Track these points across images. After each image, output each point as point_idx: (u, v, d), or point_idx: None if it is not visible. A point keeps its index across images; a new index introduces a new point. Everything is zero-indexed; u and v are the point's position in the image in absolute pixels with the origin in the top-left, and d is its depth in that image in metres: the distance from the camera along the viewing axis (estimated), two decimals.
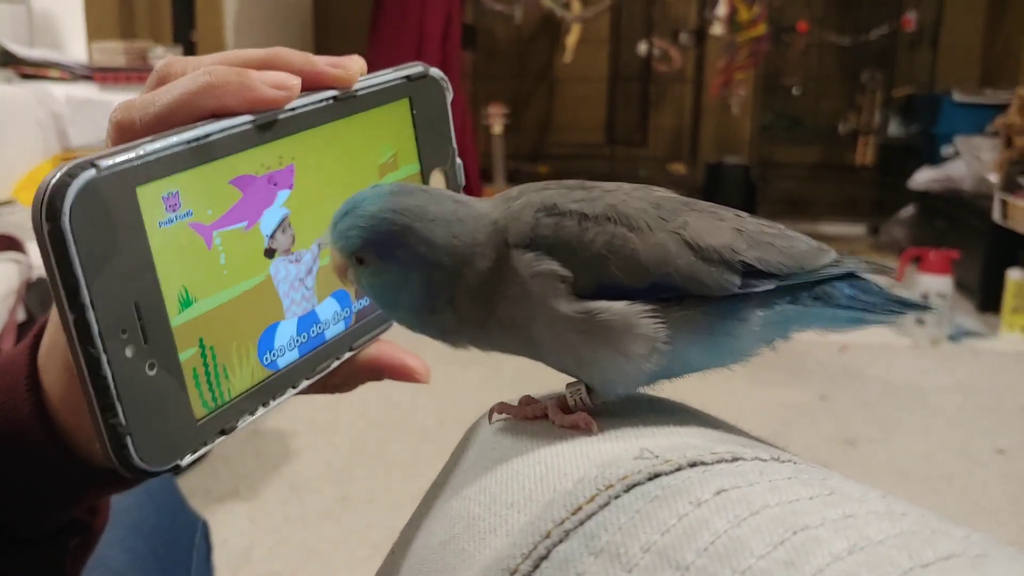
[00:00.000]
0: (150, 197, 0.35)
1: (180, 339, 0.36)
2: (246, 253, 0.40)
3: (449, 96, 0.50)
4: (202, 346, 0.37)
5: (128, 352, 0.34)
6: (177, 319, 0.36)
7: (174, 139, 0.36)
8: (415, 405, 2.29)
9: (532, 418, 0.42)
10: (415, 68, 0.48)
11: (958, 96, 4.01)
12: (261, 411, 0.41)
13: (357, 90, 0.44)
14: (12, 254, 1.50)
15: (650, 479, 0.31)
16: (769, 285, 0.41)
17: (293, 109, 0.41)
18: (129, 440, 0.34)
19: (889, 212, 4.40)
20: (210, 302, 0.38)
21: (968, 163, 3.57)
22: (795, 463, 0.33)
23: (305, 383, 0.43)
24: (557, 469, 0.34)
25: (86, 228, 0.32)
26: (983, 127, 3.62)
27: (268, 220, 0.41)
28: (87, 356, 0.33)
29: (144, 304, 0.35)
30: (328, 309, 0.45)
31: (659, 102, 4.66)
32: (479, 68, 4.65)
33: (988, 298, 3.14)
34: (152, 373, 0.35)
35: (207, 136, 0.37)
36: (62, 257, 0.32)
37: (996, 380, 2.57)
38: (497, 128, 4.03)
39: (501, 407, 0.43)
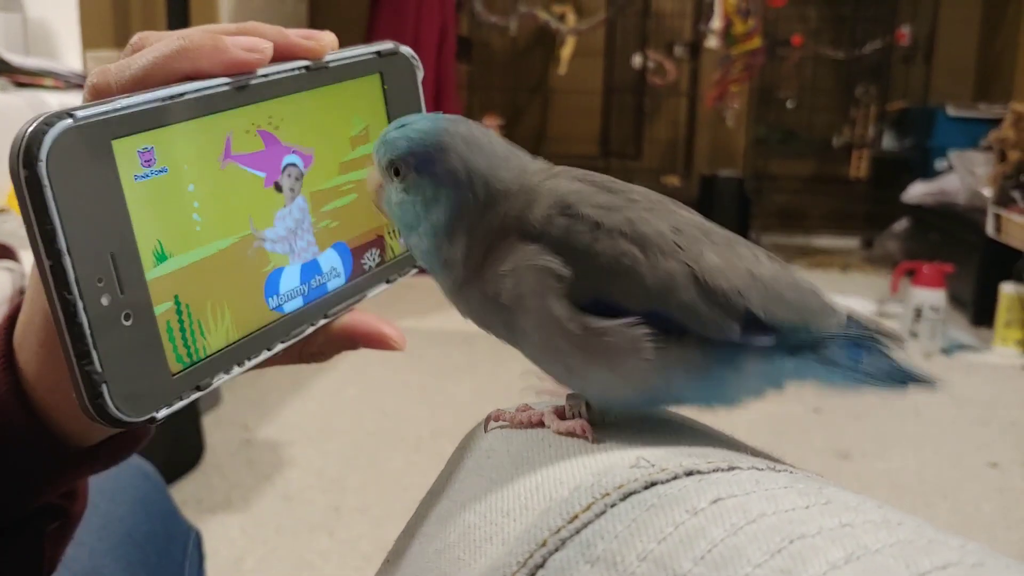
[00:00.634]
0: (126, 150, 0.35)
1: (155, 293, 0.37)
2: (223, 211, 0.40)
3: (419, 74, 0.51)
4: (177, 302, 0.38)
5: (104, 301, 0.34)
6: (152, 273, 0.36)
7: (149, 96, 0.36)
8: (408, 415, 2.29)
9: (529, 425, 0.41)
10: (385, 44, 0.49)
11: (952, 110, 4.02)
12: (236, 370, 0.41)
13: (328, 62, 0.45)
14: (6, 262, 1.50)
15: (646, 488, 0.31)
16: (767, 342, 0.40)
17: (266, 75, 0.41)
18: (105, 388, 0.34)
19: (883, 225, 4.41)
20: (185, 258, 0.38)
21: (962, 177, 3.57)
22: (791, 473, 0.33)
23: (280, 346, 0.43)
24: (553, 478, 0.34)
25: (62, 176, 0.33)
26: (977, 141, 3.63)
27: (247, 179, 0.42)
28: (63, 302, 0.33)
29: (120, 255, 0.35)
30: (307, 273, 0.45)
31: (654, 114, 4.67)
32: (474, 79, 4.66)
33: (981, 312, 3.15)
34: (128, 324, 0.35)
35: (181, 95, 0.38)
36: (39, 203, 0.32)
37: (989, 394, 2.57)
38: None
39: (498, 414, 0.43)
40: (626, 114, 4.57)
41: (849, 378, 0.43)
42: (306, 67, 0.43)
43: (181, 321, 0.38)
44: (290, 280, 0.44)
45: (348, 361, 2.68)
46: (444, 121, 0.41)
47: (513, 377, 0.48)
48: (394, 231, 0.50)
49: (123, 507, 0.75)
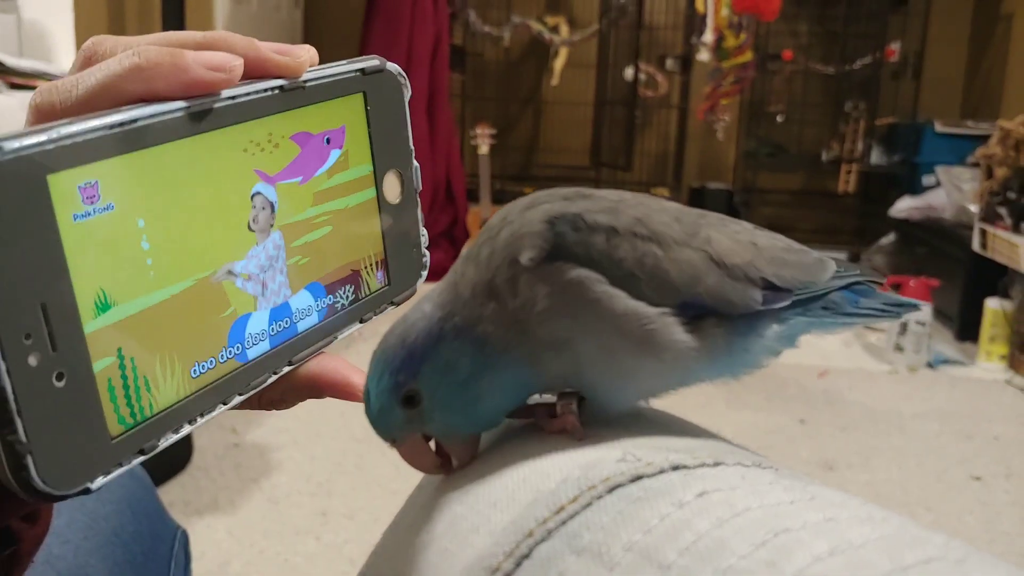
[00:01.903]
0: (64, 186, 0.31)
1: (94, 347, 0.32)
2: (180, 252, 0.36)
3: (407, 94, 0.47)
4: (120, 356, 0.33)
5: (32, 360, 0.30)
6: (91, 325, 0.32)
7: (94, 123, 0.32)
8: None
9: (519, 418, 0.42)
10: (371, 61, 0.44)
11: (940, 127, 4.04)
12: (187, 428, 0.36)
13: (306, 81, 0.40)
14: None
15: (632, 481, 0.31)
16: (786, 301, 0.42)
17: (233, 97, 0.37)
18: (30, 460, 0.30)
19: (870, 240, 4.42)
20: (132, 306, 0.33)
21: (949, 193, 3.59)
22: (776, 470, 0.34)
23: (237, 399, 0.39)
24: (540, 470, 0.35)
25: None
26: (964, 157, 3.65)
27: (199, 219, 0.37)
28: None
29: (53, 307, 0.30)
30: (275, 316, 0.41)
31: (644, 126, 4.68)
32: (467, 89, 4.66)
33: (967, 326, 3.16)
34: (60, 385, 0.31)
35: (133, 122, 0.33)
36: None
37: (973, 408, 2.58)
38: (484, 149, 4.03)
39: None
40: (617, 126, 4.58)
41: (853, 319, 0.45)
42: (280, 87, 0.39)
43: (124, 377, 0.33)
44: (257, 324, 0.40)
45: None
46: (385, 369, 0.41)
47: None
48: (371, 265, 0.45)
49: (109, 506, 0.74)
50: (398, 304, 0.47)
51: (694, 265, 0.39)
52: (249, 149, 0.38)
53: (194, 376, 0.36)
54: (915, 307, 0.49)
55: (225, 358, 0.38)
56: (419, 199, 0.47)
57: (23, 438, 0.29)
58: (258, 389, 0.40)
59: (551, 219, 0.39)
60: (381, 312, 0.47)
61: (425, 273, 0.48)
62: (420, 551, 0.36)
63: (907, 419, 2.46)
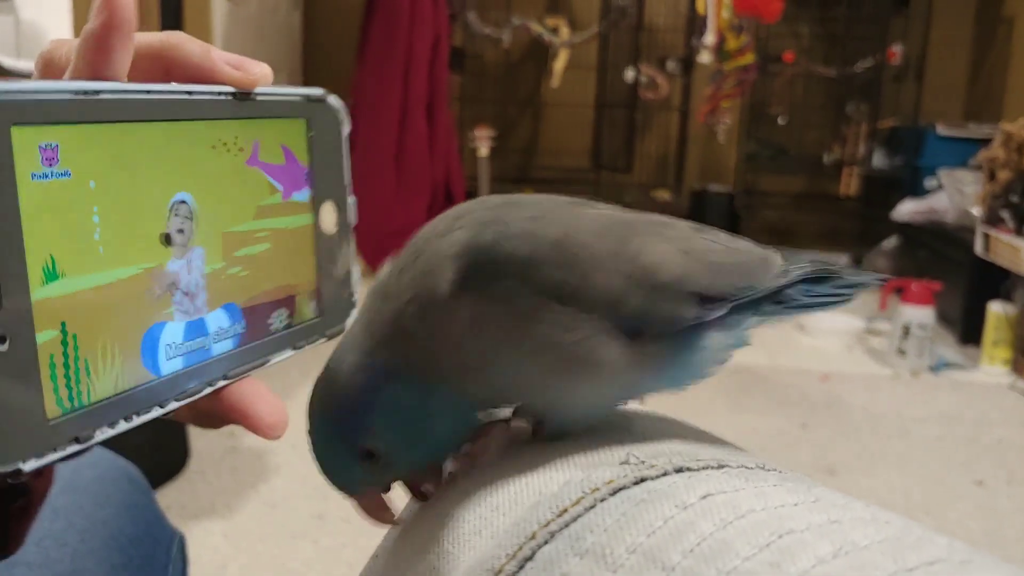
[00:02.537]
0: (25, 141, 0.30)
1: (39, 316, 0.30)
2: (130, 235, 0.34)
3: (345, 129, 0.46)
4: (64, 332, 0.31)
5: None
6: (39, 292, 0.30)
7: (65, 86, 0.31)
8: None
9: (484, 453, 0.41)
10: (315, 90, 0.44)
11: (942, 129, 4.04)
12: (123, 425, 0.34)
13: (256, 94, 0.40)
14: None
15: (636, 483, 0.31)
16: (721, 311, 0.40)
17: (190, 92, 0.37)
18: None
19: (872, 243, 4.42)
20: (79, 282, 0.32)
21: (951, 196, 3.59)
22: (780, 472, 0.33)
23: (174, 404, 0.37)
24: (542, 474, 0.34)
25: None
26: (966, 160, 3.65)
27: (152, 206, 0.36)
28: None
29: (2, 262, 0.29)
30: (213, 325, 0.39)
31: (645, 129, 4.69)
32: (467, 91, 4.66)
33: (969, 330, 3.15)
34: (2, 348, 0.29)
35: (97, 92, 0.32)
36: None
37: (976, 412, 2.58)
38: (483, 151, 4.04)
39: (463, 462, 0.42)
40: (618, 128, 4.58)
41: (806, 308, 0.43)
42: (232, 93, 0.39)
43: (66, 356, 0.31)
44: (199, 329, 0.38)
45: None
46: (321, 419, 0.42)
47: None
48: (306, 293, 0.44)
49: (107, 510, 0.74)
50: (330, 338, 0.46)
51: (617, 288, 0.38)
52: (217, 147, 0.38)
53: (131, 372, 0.35)
54: (868, 284, 0.46)
55: (171, 355, 0.37)
56: (353, 237, 0.47)
57: None
58: (193, 398, 0.38)
59: (464, 250, 0.38)
60: (313, 343, 0.46)
61: (355, 313, 0.47)
62: (420, 553, 0.35)
63: (909, 423, 2.46)
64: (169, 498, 1.83)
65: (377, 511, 0.42)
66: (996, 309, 2.95)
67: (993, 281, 3.08)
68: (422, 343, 0.38)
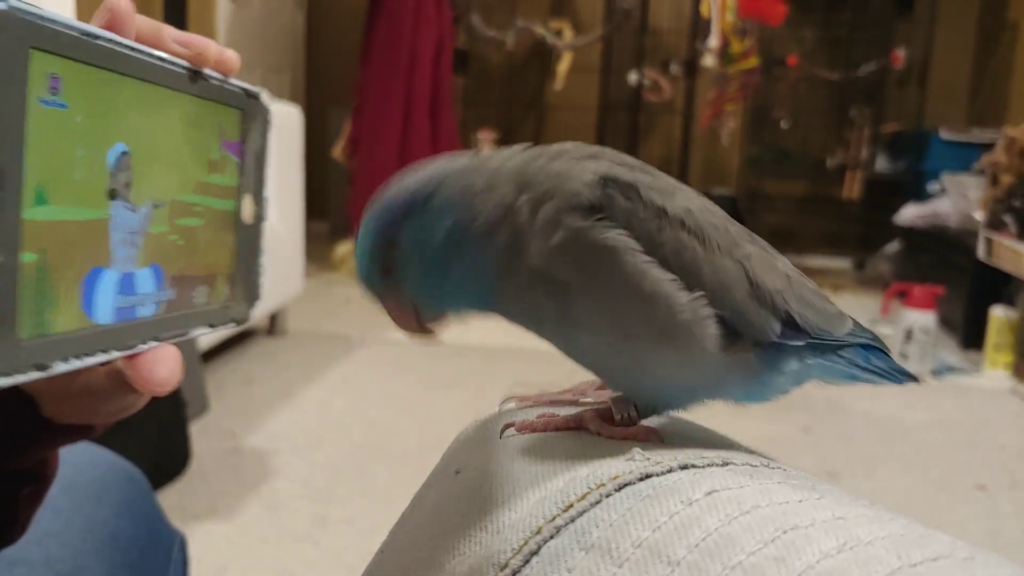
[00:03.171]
0: (39, 66, 0.31)
1: (26, 237, 0.31)
2: (91, 180, 0.35)
3: (270, 130, 0.48)
4: (42, 259, 0.32)
5: None
6: (28, 212, 0.31)
7: (72, 22, 0.32)
8: (395, 427, 2.28)
9: (565, 429, 0.40)
10: (252, 87, 0.45)
11: (945, 134, 4.04)
12: (75, 363, 0.34)
13: (207, 74, 0.41)
14: None
15: (641, 479, 0.31)
16: (800, 341, 0.41)
17: (163, 60, 0.38)
18: None
19: (875, 247, 4.42)
20: (59, 213, 0.33)
21: (954, 200, 3.59)
22: (785, 470, 0.33)
23: (116, 354, 0.37)
24: (549, 469, 0.34)
25: None
26: (969, 165, 3.65)
27: (112, 155, 0.36)
28: None
29: (4, 174, 0.30)
30: (146, 280, 0.39)
31: (648, 132, 4.69)
32: (470, 93, 4.67)
33: (972, 335, 3.15)
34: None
35: (96, 37, 0.34)
36: None
37: (978, 417, 2.57)
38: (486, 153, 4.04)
39: (522, 425, 0.42)
40: (621, 131, 4.58)
41: (863, 375, 0.45)
42: (188, 68, 0.40)
43: (40, 282, 0.32)
44: (134, 282, 0.38)
45: (336, 372, 2.68)
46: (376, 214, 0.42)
47: (501, 390, 0.47)
48: (224, 275, 0.45)
49: (108, 509, 0.74)
50: (239, 324, 0.46)
51: (728, 274, 0.39)
52: (182, 116, 0.40)
53: (84, 312, 0.35)
54: (915, 379, 0.49)
55: (114, 304, 0.37)
56: (264, 231, 0.48)
57: None
58: (130, 351, 0.38)
59: (607, 178, 0.39)
60: (225, 326, 0.46)
61: (259, 305, 0.48)
62: (427, 549, 0.35)
63: (911, 428, 2.45)
64: (170, 499, 1.83)
65: (399, 318, 0.43)
66: (998, 314, 2.95)
67: (995, 285, 3.08)
68: (508, 216, 0.39)
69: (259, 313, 0.48)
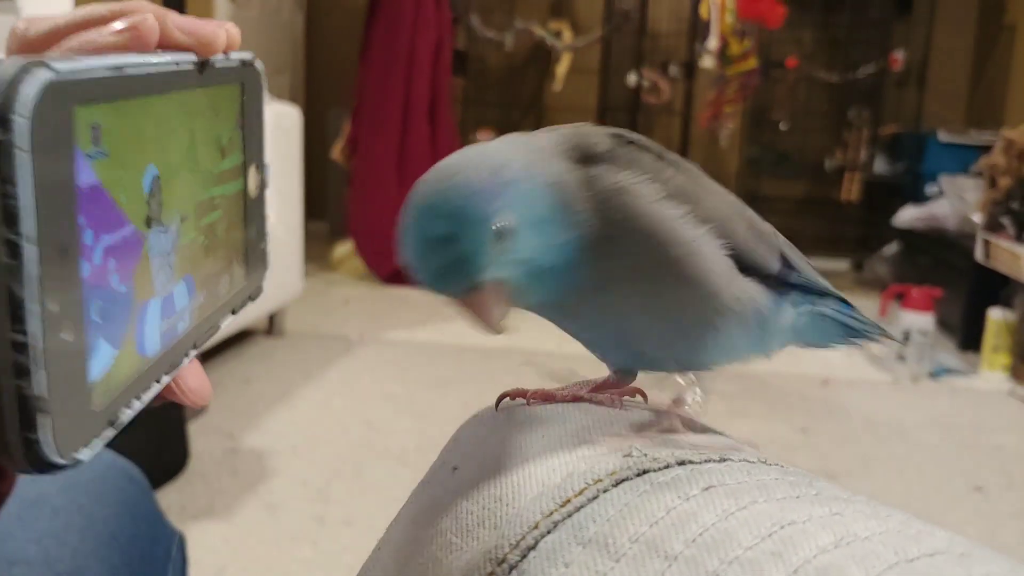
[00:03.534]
0: (81, 122, 0.28)
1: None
2: (139, 212, 0.33)
3: (266, 91, 0.46)
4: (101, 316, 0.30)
5: (51, 306, 0.26)
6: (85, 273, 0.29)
7: (99, 62, 0.29)
8: (394, 427, 2.28)
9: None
10: (246, 54, 0.43)
11: (943, 136, 4.05)
12: (137, 405, 0.33)
13: (213, 61, 0.39)
14: None
15: (639, 475, 0.31)
16: (796, 277, 0.44)
17: (177, 63, 0.36)
18: (48, 420, 0.26)
19: (873, 248, 4.42)
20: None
21: (952, 202, 3.59)
22: (782, 467, 0.34)
23: (166, 379, 0.36)
24: (546, 465, 0.34)
25: (38, 142, 0.26)
26: (967, 167, 3.65)
27: (147, 182, 0.34)
28: (12, 298, 0.25)
29: (67, 250, 0.28)
30: (182, 295, 0.38)
31: (647, 133, 4.64)
32: (469, 94, 4.67)
33: (969, 337, 3.16)
34: (66, 338, 0.27)
35: (121, 68, 0.31)
36: (6, 173, 0.25)
37: (975, 418, 2.58)
38: None
39: (602, 398, 0.43)
40: None
41: (844, 329, 0.47)
42: (195, 63, 0.37)
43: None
44: (173, 302, 0.37)
45: (334, 372, 2.68)
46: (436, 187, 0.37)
47: (499, 390, 0.47)
48: (239, 258, 0.44)
49: (107, 509, 0.74)
50: (254, 299, 0.45)
51: (731, 208, 0.41)
52: (193, 115, 0.38)
53: (139, 353, 0.34)
54: (889, 336, 0.50)
55: (154, 333, 0.35)
56: (266, 196, 0.47)
57: (45, 392, 0.26)
58: (176, 370, 0.37)
59: (615, 131, 0.41)
60: (244, 306, 0.45)
61: (268, 274, 0.47)
62: (424, 544, 0.35)
63: (909, 429, 2.46)
64: (169, 499, 1.83)
65: (486, 313, 0.36)
66: (996, 315, 2.95)
67: (993, 287, 3.08)
68: (575, 181, 0.39)
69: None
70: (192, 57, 0.37)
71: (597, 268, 0.38)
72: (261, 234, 0.46)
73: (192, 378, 0.38)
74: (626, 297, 0.39)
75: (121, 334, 0.32)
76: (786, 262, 0.43)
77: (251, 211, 0.45)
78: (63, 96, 0.27)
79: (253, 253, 0.45)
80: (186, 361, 0.38)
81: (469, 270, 0.35)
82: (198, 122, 0.38)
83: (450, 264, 0.35)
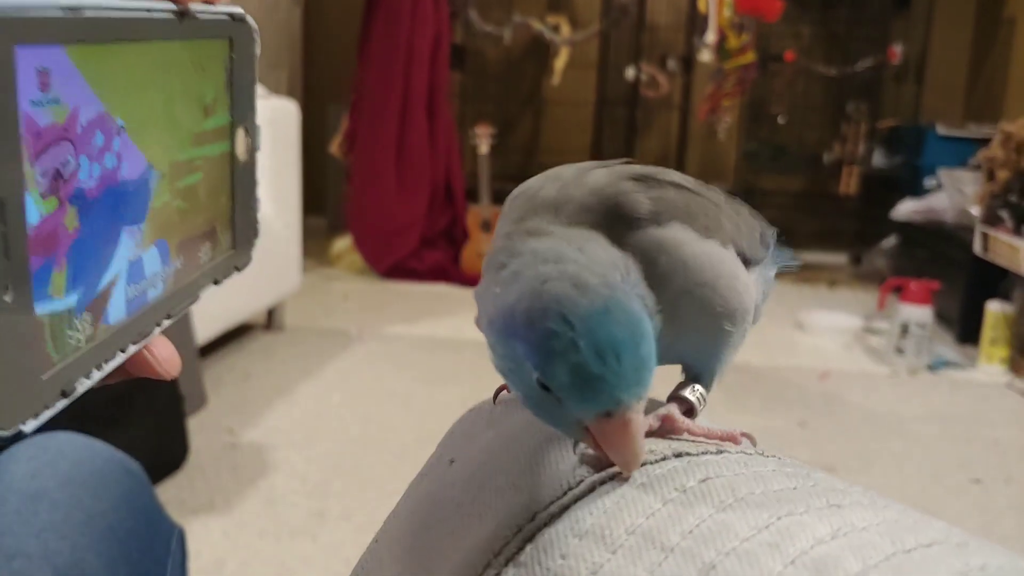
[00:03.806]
0: (26, 64, 0.26)
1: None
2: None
3: (258, 50, 0.43)
4: None
5: None
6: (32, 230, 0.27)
7: (49, 1, 0.27)
8: (393, 422, 2.28)
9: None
10: (235, 8, 0.40)
11: (942, 129, 4.05)
12: (96, 375, 0.31)
13: (196, 11, 0.36)
14: None
15: None
16: (770, 248, 0.47)
17: (149, 11, 0.33)
18: None
19: (871, 242, 4.43)
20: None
21: (950, 195, 3.59)
22: (779, 458, 0.34)
23: (132, 348, 0.34)
24: (544, 458, 0.34)
25: None
26: (966, 160, 3.66)
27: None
28: None
29: (8, 203, 0.26)
30: (153, 260, 0.35)
31: (645, 127, 4.69)
32: (467, 88, 4.66)
33: (967, 329, 3.16)
34: (7, 299, 0.26)
35: (79, 9, 0.28)
36: None
37: (973, 411, 2.58)
38: (484, 148, 4.04)
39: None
40: (618, 126, 4.58)
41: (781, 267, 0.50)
42: (174, 11, 0.35)
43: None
44: (142, 267, 0.35)
45: (333, 367, 2.68)
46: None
47: (499, 384, 0.46)
48: (224, 224, 0.41)
49: (106, 503, 0.74)
50: (240, 270, 0.43)
51: (734, 228, 0.42)
52: (169, 69, 0.35)
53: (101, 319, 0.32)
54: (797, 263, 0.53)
55: (120, 301, 0.33)
56: (257, 162, 0.44)
57: None
58: (146, 340, 0.35)
59: (634, 177, 0.39)
60: (228, 276, 0.42)
61: (258, 242, 0.44)
62: (422, 537, 0.35)
63: (907, 422, 2.46)
64: (168, 494, 1.83)
65: (641, 428, 0.33)
66: (994, 308, 2.95)
67: (991, 280, 3.09)
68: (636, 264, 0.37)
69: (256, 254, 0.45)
70: (170, 5, 0.34)
71: (663, 331, 0.36)
72: (251, 201, 0.44)
73: (161, 348, 0.36)
74: (678, 334, 0.38)
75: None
76: (765, 245, 0.46)
77: (239, 176, 0.42)
78: (2, 34, 0.25)
79: (241, 220, 0.43)
80: (157, 331, 0.36)
81: (647, 378, 0.32)
82: (177, 77, 0.36)
83: (634, 373, 0.32)
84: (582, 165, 0.42)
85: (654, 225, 0.38)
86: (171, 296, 0.37)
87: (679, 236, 0.39)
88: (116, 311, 0.33)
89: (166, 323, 0.36)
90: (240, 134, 0.42)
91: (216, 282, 0.41)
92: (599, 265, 0.34)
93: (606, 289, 0.32)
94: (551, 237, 0.36)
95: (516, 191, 0.42)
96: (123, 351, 0.33)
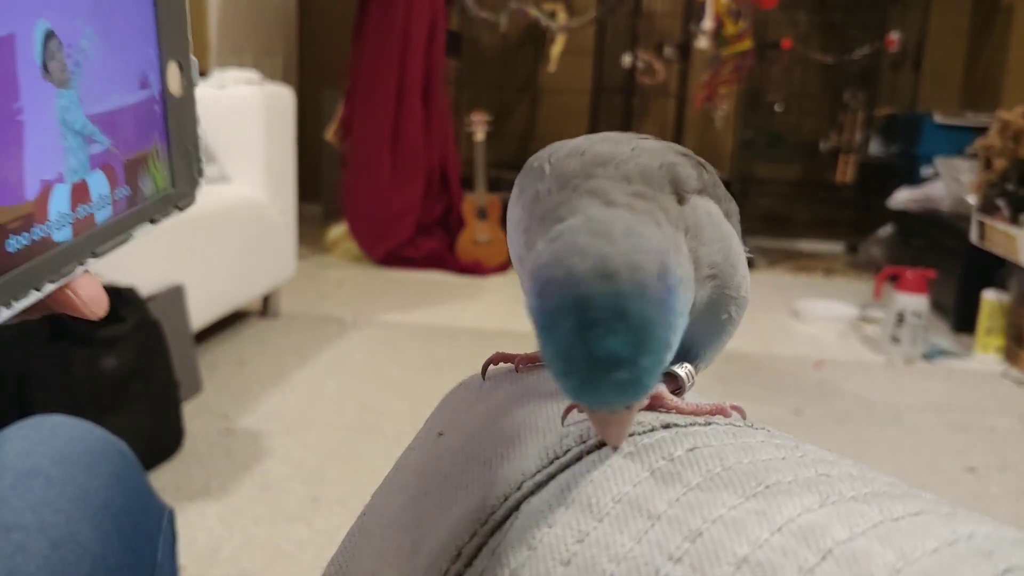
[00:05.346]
0: None
1: None
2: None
3: None
4: None
5: None
6: None
7: None
8: (388, 408, 2.28)
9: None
10: None
11: (939, 117, 4.04)
12: (4, 313, 0.29)
13: None
14: None
15: None
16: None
17: None
18: None
19: (868, 230, 4.43)
20: None
21: (947, 184, 3.59)
22: (768, 431, 0.33)
23: (49, 287, 0.31)
24: (531, 428, 0.34)
25: None
26: (963, 149, 3.66)
27: (38, 36, 0.29)
28: None
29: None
30: (95, 188, 0.33)
31: (642, 114, 4.68)
32: (463, 75, 4.66)
33: (963, 319, 3.16)
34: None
35: None
36: None
37: (968, 400, 2.58)
38: (479, 135, 4.03)
39: (523, 359, 0.43)
40: (614, 114, 4.58)
41: None
42: None
43: None
44: (62, 199, 0.32)
45: (328, 353, 2.68)
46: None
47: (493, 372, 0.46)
48: (160, 160, 0.39)
49: (99, 480, 0.75)
50: (182, 209, 0.40)
51: (727, 196, 0.43)
52: None
53: (10, 250, 0.29)
54: None
55: (39, 234, 0.31)
56: (196, 98, 0.42)
57: None
58: (67, 278, 0.33)
59: (679, 151, 0.41)
60: (167, 215, 0.40)
61: (203, 182, 0.42)
62: (410, 509, 0.35)
63: (902, 411, 2.46)
64: (164, 480, 1.83)
65: (626, 427, 0.30)
66: (990, 297, 2.95)
67: (988, 269, 3.09)
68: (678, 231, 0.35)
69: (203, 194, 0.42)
70: None
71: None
72: (190, 138, 0.41)
73: (86, 287, 0.34)
74: (696, 320, 0.37)
75: None
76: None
77: (174, 111, 0.40)
78: None
79: (180, 158, 0.41)
80: (80, 270, 0.34)
81: (637, 392, 0.29)
82: None
83: (622, 386, 0.29)
84: (626, 134, 0.43)
85: (702, 199, 0.40)
86: (97, 233, 0.34)
87: (715, 213, 0.40)
88: (63, 231, 0.31)
89: (90, 261, 0.34)
90: (172, 69, 0.40)
91: (153, 221, 0.38)
92: (649, 253, 0.30)
93: (634, 287, 0.28)
94: (612, 208, 0.33)
95: (555, 146, 0.40)
96: (38, 289, 0.31)
